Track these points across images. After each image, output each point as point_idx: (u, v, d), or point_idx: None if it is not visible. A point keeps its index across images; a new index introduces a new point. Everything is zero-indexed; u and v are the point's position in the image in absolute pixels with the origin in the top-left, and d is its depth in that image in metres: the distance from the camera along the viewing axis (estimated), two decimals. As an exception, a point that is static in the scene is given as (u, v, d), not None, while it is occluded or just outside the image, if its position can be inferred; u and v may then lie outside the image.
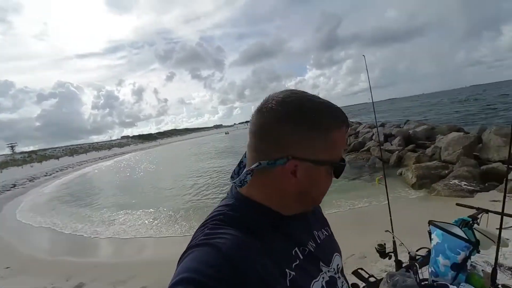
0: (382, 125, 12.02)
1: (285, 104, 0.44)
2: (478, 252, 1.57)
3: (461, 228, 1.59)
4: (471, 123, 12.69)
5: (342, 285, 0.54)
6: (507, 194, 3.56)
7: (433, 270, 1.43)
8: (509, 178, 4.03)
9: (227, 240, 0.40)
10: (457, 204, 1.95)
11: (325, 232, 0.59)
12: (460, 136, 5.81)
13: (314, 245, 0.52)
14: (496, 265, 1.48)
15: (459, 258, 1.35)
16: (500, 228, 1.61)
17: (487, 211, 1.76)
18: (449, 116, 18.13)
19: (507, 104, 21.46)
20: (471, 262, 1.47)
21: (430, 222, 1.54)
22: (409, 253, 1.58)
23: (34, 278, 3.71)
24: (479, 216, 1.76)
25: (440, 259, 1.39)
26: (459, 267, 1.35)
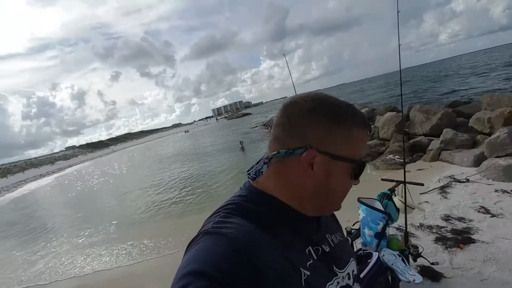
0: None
1: (310, 98, 0.45)
2: (393, 220, 1.87)
3: (381, 202, 1.87)
4: (403, 103, 14.60)
5: None
6: (429, 162, 4.23)
7: (363, 241, 1.68)
8: (429, 148, 4.81)
9: (239, 231, 0.38)
10: (382, 179, 2.26)
11: (339, 237, 0.56)
12: (392, 115, 6.64)
13: (328, 247, 0.50)
14: (407, 229, 1.79)
15: (379, 227, 1.60)
16: (405, 197, 1.92)
17: (403, 183, 2.09)
18: (387, 98, 20.46)
19: (429, 83, 25.05)
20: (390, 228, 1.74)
21: (358, 199, 1.78)
22: (345, 228, 1.80)
23: None
24: (396, 188, 2.08)
25: (366, 230, 1.64)
26: (380, 235, 1.60)
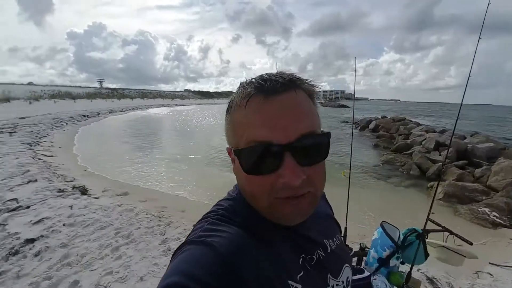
0: (443, 131, 10.56)
1: None
2: (411, 261, 1.76)
3: (406, 236, 1.77)
4: None
5: None
6: None
7: (366, 260, 1.69)
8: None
9: (227, 240, 0.36)
10: (429, 219, 2.03)
11: (337, 241, 0.51)
12: (521, 164, 4.94)
13: (323, 254, 0.46)
14: (411, 268, 1.66)
15: (384, 254, 1.59)
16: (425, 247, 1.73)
17: (450, 232, 1.86)
18: None
19: None
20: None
21: (381, 222, 1.75)
22: (360, 244, 1.83)
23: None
24: (444, 233, 1.87)
25: (372, 251, 1.64)
26: (382, 262, 1.59)
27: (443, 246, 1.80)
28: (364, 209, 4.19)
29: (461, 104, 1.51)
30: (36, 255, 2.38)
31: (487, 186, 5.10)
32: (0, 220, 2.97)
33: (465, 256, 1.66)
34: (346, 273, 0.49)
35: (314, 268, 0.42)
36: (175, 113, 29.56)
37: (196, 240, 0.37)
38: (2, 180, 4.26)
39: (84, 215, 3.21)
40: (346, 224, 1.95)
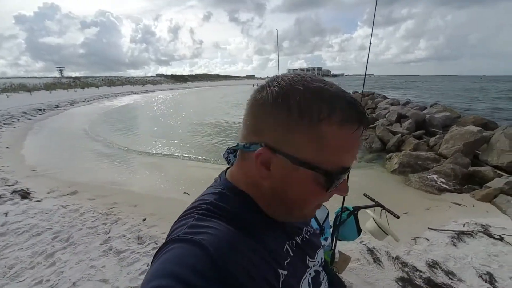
0: (406, 103, 11.04)
1: (274, 84, 0.38)
2: (341, 239, 1.82)
3: (337, 214, 1.81)
4: (509, 119, 10.96)
5: (323, 278, 0.51)
6: (477, 200, 3.44)
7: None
8: (488, 184, 3.81)
9: (216, 237, 0.34)
10: (364, 194, 2.07)
11: (310, 228, 0.55)
12: (467, 130, 5.27)
13: (301, 238, 0.49)
14: (335, 248, 1.70)
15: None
16: (357, 222, 1.78)
17: (382, 207, 1.91)
18: (493, 110, 15.50)
19: None
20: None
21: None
22: None
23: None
24: (373, 209, 1.92)
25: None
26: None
27: (374, 220, 1.86)
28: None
29: (365, 75, 1.69)
30: (-47, 273, 2.14)
31: (438, 154, 5.44)
32: None
33: (386, 234, 1.72)
34: (320, 254, 0.53)
35: (295, 253, 0.45)
36: (143, 101, 27.99)
37: (182, 238, 0.34)
38: None
39: (20, 221, 2.94)
40: None
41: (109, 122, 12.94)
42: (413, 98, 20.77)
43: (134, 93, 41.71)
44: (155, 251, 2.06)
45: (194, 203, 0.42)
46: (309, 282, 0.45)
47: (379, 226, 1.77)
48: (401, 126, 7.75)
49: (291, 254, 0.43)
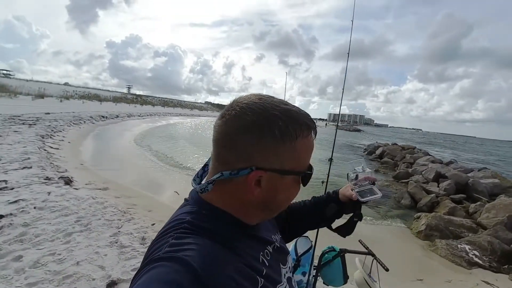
0: (449, 163, 10.09)
1: (249, 111, 0.41)
2: (329, 283, 1.75)
3: (323, 252, 1.78)
4: None
5: (294, 283, 0.56)
6: None
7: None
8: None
9: (198, 253, 0.34)
10: (359, 241, 2.01)
11: (279, 235, 0.59)
12: (515, 203, 4.61)
13: (273, 247, 0.52)
14: None
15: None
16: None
17: (373, 256, 1.83)
18: None
19: None
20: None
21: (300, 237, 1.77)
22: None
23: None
24: (363, 257, 1.84)
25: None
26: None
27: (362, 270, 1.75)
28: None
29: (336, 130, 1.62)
30: (-3, 230, 2.61)
31: (476, 223, 4.79)
32: (-17, 197, 3.29)
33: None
34: (289, 260, 0.57)
35: (270, 262, 0.48)
36: (188, 123, 30.59)
37: (164, 257, 0.34)
38: (3, 163, 4.70)
39: (57, 202, 3.45)
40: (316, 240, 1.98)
41: (155, 135, 14.44)
42: (463, 161, 18.73)
43: (181, 115, 46.02)
44: None
45: (169, 223, 0.43)
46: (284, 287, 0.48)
47: (365, 281, 1.65)
48: (438, 186, 7.07)
49: (266, 264, 0.47)
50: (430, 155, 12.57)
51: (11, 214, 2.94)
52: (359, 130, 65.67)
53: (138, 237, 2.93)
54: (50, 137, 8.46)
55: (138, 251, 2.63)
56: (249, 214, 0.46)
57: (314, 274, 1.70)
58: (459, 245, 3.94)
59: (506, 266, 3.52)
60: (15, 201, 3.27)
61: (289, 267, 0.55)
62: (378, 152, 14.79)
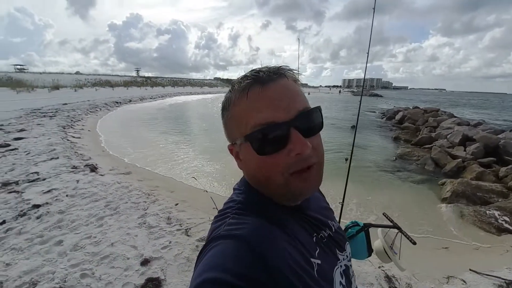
0: (477, 124, 9.46)
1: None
2: (351, 256, 1.81)
3: (346, 227, 1.78)
4: None
5: (352, 273, 0.54)
6: None
7: None
8: None
9: (253, 231, 0.38)
10: (383, 214, 1.98)
11: (336, 223, 0.57)
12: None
13: (330, 232, 0.51)
14: None
15: None
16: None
17: (399, 230, 1.80)
18: None
19: None
20: None
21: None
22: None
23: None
24: (387, 230, 1.83)
25: None
26: None
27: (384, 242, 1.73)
28: (357, 201, 4.08)
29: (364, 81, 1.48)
30: (37, 218, 2.82)
31: (508, 187, 4.55)
32: (20, 188, 3.54)
33: (390, 259, 1.59)
34: (348, 249, 0.56)
35: (325, 245, 0.48)
36: (199, 101, 30.53)
37: (224, 235, 0.38)
38: (32, 156, 4.99)
39: (86, 188, 3.66)
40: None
41: (167, 116, 14.62)
42: (493, 120, 17.47)
43: (192, 94, 45.89)
44: (178, 232, 2.33)
45: (226, 203, 0.47)
46: (341, 273, 0.47)
47: (385, 251, 1.64)
48: (464, 150, 6.70)
49: (322, 245, 0.46)
50: (456, 117, 11.78)
51: (47, 203, 3.16)
52: (377, 95, 62.36)
53: (164, 217, 3.07)
54: (71, 127, 8.81)
55: (165, 230, 2.77)
56: (266, 191, 0.45)
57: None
58: (487, 211, 3.79)
59: (539, 230, 3.37)
60: (48, 191, 3.49)
61: (347, 255, 0.53)
62: (397, 117, 14.10)
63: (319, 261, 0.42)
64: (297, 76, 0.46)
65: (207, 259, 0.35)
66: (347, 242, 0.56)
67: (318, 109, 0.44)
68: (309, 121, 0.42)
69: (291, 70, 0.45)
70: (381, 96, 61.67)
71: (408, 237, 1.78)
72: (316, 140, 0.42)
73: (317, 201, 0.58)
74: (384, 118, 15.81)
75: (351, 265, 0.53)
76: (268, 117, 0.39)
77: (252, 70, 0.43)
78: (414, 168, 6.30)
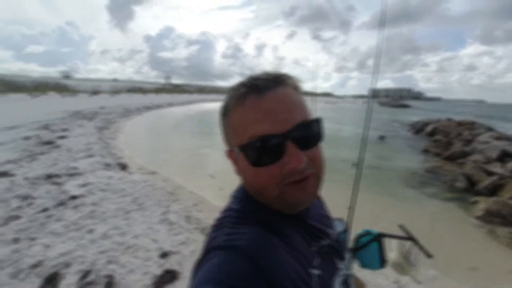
0: (519, 140, 8.60)
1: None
2: (364, 266, 1.76)
3: (359, 235, 1.78)
4: None
5: (351, 281, 0.53)
6: None
7: None
8: None
9: (251, 241, 0.37)
10: (399, 226, 1.94)
11: (336, 231, 0.57)
12: None
13: (329, 241, 0.50)
14: None
15: None
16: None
17: (415, 241, 1.77)
18: None
19: None
20: None
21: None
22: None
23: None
24: (404, 241, 1.80)
25: None
26: None
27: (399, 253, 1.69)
28: (373, 213, 3.94)
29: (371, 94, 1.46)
30: (74, 208, 3.16)
31: (553, 209, 4.08)
32: (62, 181, 3.97)
33: (406, 272, 1.54)
34: (348, 256, 0.55)
35: (325, 254, 0.47)
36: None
37: (222, 246, 0.37)
38: (72, 153, 5.55)
39: (116, 184, 3.99)
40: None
41: (193, 121, 15.29)
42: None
43: (215, 101, 47.44)
44: (196, 230, 2.49)
45: (224, 212, 0.46)
46: (341, 282, 0.46)
47: (400, 262, 1.59)
48: (502, 166, 6.13)
49: (321, 255, 0.45)
50: (494, 130, 10.83)
51: (82, 195, 3.51)
52: (405, 106, 59.12)
53: (184, 216, 3.24)
54: (107, 129, 9.62)
55: (183, 228, 2.93)
56: (264, 200, 0.43)
57: (350, 256, 1.69)
58: (527, 233, 3.45)
59: None
60: (84, 185, 3.87)
61: (347, 264, 0.52)
62: (428, 129, 13.29)
63: (319, 272, 0.41)
64: (297, 84, 0.45)
65: (205, 271, 0.34)
66: (347, 250, 0.56)
67: (318, 120, 0.43)
68: (307, 133, 0.40)
69: (291, 77, 0.44)
70: (409, 106, 58.40)
71: (424, 250, 1.72)
72: (314, 152, 0.41)
73: (317, 209, 0.56)
74: (413, 131, 14.97)
75: (350, 274, 0.52)
76: (264, 130, 0.38)
77: (250, 77, 0.42)
78: (442, 184, 5.90)
